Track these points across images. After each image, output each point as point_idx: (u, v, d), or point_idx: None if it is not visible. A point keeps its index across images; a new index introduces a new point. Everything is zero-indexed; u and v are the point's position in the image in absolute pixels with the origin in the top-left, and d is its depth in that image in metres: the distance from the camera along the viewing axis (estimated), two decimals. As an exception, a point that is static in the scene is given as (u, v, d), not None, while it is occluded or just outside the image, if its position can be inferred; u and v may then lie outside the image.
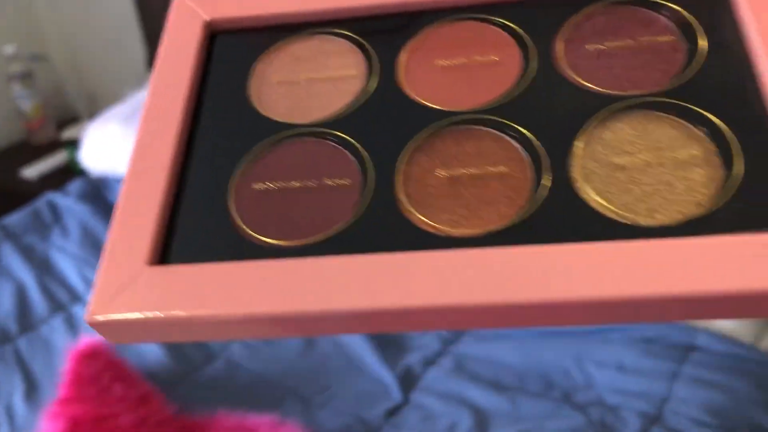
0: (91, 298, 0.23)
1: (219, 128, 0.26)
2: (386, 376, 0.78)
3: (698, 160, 0.23)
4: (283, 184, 0.25)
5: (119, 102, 1.45)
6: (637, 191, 0.22)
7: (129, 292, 0.22)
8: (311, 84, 0.27)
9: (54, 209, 1.25)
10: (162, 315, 0.22)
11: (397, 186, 0.24)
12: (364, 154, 0.25)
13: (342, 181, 0.24)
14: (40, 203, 1.26)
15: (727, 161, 0.22)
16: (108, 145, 1.31)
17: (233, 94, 0.27)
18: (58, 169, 1.61)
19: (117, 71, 1.74)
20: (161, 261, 0.23)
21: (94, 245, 1.15)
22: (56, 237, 1.18)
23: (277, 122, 0.26)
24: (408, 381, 0.79)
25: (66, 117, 1.80)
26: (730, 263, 0.20)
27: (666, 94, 0.24)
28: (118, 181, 1.30)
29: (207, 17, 0.29)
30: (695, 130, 0.23)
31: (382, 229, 0.23)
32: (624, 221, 0.22)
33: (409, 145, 0.25)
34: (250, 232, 0.24)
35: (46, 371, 0.92)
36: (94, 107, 1.77)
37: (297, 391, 0.82)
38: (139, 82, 1.60)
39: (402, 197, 0.24)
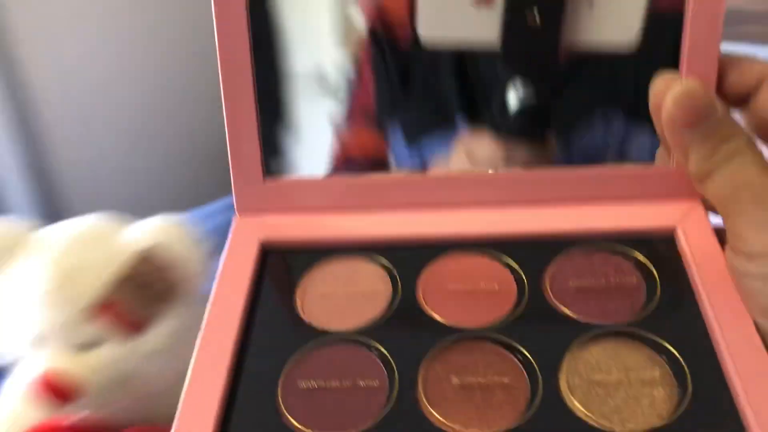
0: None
1: (270, 332, 0.32)
2: None
3: (658, 380, 0.28)
4: (323, 383, 0.30)
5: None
6: (612, 403, 0.28)
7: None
8: (347, 297, 0.33)
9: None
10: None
11: (418, 389, 0.29)
12: (390, 359, 0.30)
13: (372, 383, 0.30)
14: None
15: (682, 382, 0.28)
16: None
17: (282, 303, 0.33)
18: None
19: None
20: (221, 447, 0.28)
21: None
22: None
23: (318, 329, 0.32)
24: None
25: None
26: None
27: (632, 324, 0.30)
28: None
29: (261, 238, 0.35)
30: (656, 355, 0.29)
31: (405, 427, 0.28)
32: (602, 428, 0.27)
33: (426, 355, 0.30)
34: (296, 424, 0.29)
35: None
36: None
37: None
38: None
39: (422, 399, 0.29)
